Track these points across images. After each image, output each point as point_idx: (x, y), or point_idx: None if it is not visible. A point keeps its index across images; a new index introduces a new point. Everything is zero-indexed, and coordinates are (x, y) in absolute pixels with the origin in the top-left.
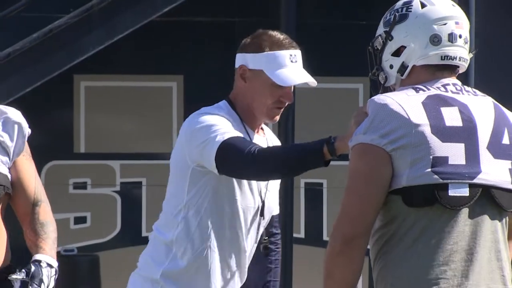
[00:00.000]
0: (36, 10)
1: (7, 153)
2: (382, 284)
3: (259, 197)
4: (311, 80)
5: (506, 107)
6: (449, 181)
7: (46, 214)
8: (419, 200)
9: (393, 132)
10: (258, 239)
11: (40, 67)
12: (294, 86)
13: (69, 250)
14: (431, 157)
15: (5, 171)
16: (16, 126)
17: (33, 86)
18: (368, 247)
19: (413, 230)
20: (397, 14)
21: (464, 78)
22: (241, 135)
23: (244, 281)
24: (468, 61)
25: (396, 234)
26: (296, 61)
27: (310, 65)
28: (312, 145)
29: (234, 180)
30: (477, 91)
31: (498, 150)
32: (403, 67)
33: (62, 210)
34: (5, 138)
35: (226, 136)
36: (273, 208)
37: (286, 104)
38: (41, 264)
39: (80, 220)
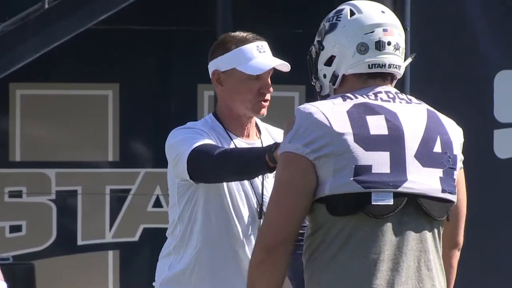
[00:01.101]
0: None
1: None
2: None
3: (256, 200)
4: (281, 63)
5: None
6: (372, 189)
7: None
8: (342, 208)
9: (316, 141)
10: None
11: None
12: (271, 79)
13: (5, 259)
14: (353, 165)
15: None
16: None
17: None
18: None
19: (338, 238)
20: (327, 23)
21: (400, 86)
22: (211, 142)
23: None
24: (403, 67)
25: (323, 242)
26: (264, 51)
27: None
28: (259, 151)
29: (224, 187)
30: (412, 98)
31: (428, 158)
32: (334, 77)
33: None
34: None
35: (193, 146)
36: None
37: (268, 96)
38: None
39: (15, 228)
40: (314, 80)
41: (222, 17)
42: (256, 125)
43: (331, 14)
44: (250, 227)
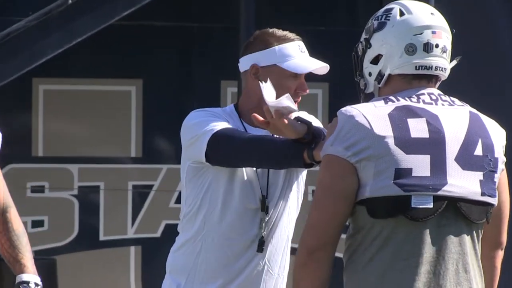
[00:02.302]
0: None
1: None
2: None
3: (260, 191)
4: (324, 65)
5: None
6: (411, 193)
7: (19, 223)
8: (382, 211)
9: (357, 144)
10: (261, 236)
11: None
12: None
13: None
14: (394, 168)
15: None
16: None
17: None
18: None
19: (377, 240)
20: (375, 22)
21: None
22: (231, 126)
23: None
24: (449, 70)
25: (362, 244)
26: (304, 51)
27: None
28: (297, 145)
29: (232, 175)
30: (456, 100)
31: (469, 161)
32: (379, 76)
33: (19, 213)
34: None
35: (216, 128)
36: (290, 205)
37: (300, 96)
38: (30, 285)
39: (37, 223)
40: (358, 77)
41: (244, 13)
42: None
43: (380, 13)
44: (253, 217)
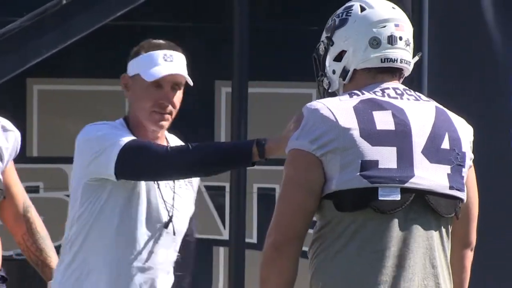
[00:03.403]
0: None
1: (1, 159)
2: (314, 286)
3: (166, 210)
4: (179, 73)
5: (460, 114)
6: (378, 185)
7: (41, 224)
8: (348, 204)
9: (322, 136)
10: (169, 255)
11: None
12: (184, 91)
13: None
14: (360, 161)
15: (1, 176)
16: (11, 134)
17: None
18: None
19: (344, 234)
20: (337, 19)
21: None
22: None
23: None
24: (412, 64)
25: (329, 238)
26: (171, 61)
27: (264, 70)
28: (241, 145)
29: (135, 192)
30: (421, 95)
31: (436, 154)
32: (344, 72)
33: None
34: (2, 145)
35: (127, 140)
36: (183, 228)
37: (169, 108)
38: None
39: None
40: (321, 78)
41: (238, 14)
42: (166, 140)
43: (340, 10)
44: (156, 236)
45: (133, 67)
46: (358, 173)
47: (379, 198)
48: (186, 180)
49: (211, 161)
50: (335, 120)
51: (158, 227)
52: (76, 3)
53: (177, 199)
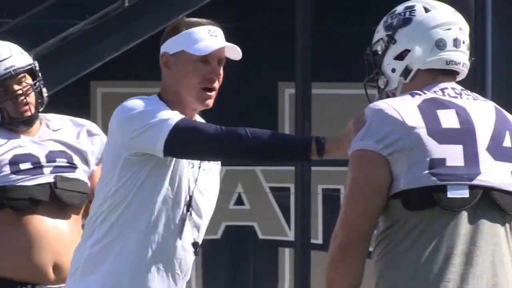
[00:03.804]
0: (51, 16)
1: (87, 163)
2: (382, 286)
3: (187, 191)
4: (230, 45)
5: None
6: (447, 182)
7: None
8: (417, 203)
9: (388, 136)
10: (184, 236)
11: (56, 74)
12: (225, 68)
13: None
14: (428, 159)
15: (87, 179)
16: (97, 138)
17: (49, 93)
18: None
19: (412, 233)
20: (400, 17)
21: (481, 89)
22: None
23: (179, 281)
24: (468, 68)
25: (396, 238)
26: (216, 36)
27: (327, 71)
28: (300, 139)
29: (170, 171)
30: (478, 96)
31: (499, 152)
32: (406, 71)
33: None
34: (87, 148)
35: (177, 117)
36: (204, 210)
37: (216, 84)
38: None
39: None
40: (376, 76)
41: (301, 15)
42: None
43: (400, 9)
44: (188, 216)
45: (175, 44)
46: (427, 171)
47: (448, 196)
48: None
49: (268, 151)
50: (401, 119)
51: (190, 206)
52: (138, 5)
53: (207, 181)
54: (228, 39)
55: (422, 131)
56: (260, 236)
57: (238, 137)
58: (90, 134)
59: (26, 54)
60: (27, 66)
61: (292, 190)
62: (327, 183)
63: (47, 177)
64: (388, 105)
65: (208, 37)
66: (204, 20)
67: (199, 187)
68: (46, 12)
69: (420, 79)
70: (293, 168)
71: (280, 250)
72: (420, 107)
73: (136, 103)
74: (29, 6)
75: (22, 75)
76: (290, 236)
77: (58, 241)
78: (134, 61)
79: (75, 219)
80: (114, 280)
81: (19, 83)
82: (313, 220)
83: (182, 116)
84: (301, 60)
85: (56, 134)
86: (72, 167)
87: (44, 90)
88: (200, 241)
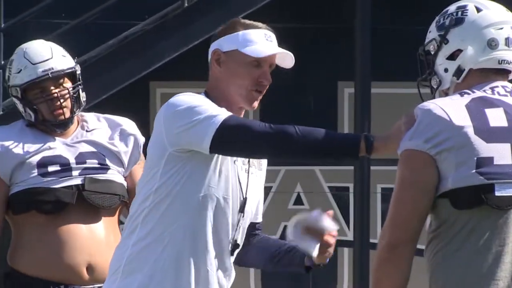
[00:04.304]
0: (111, 17)
1: (122, 164)
2: (434, 285)
3: (241, 193)
4: (286, 52)
5: None
6: (494, 181)
7: None
8: (465, 202)
9: (437, 136)
10: (229, 236)
11: (116, 74)
12: (283, 69)
13: None
14: (475, 158)
15: (121, 180)
16: (131, 138)
17: (109, 93)
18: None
19: (462, 232)
20: (453, 17)
21: None
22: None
23: (225, 280)
24: None
25: (446, 236)
26: (271, 41)
27: (386, 70)
28: (348, 137)
29: (218, 171)
30: None
31: None
32: (459, 71)
33: None
34: (121, 149)
35: (225, 115)
36: (253, 210)
37: (264, 88)
38: None
39: None
40: (428, 76)
41: (360, 13)
42: None
43: (452, 9)
44: (231, 214)
45: (229, 42)
46: (474, 170)
47: (496, 194)
48: (258, 161)
49: (317, 149)
50: (448, 119)
51: (233, 204)
52: (197, 6)
53: (251, 181)
54: (286, 40)
55: (470, 130)
56: None
57: (287, 134)
58: (124, 134)
59: (68, 57)
60: (67, 69)
61: (351, 190)
62: (386, 183)
63: (75, 179)
64: (436, 105)
65: (264, 41)
66: (261, 24)
67: (249, 190)
68: (105, 13)
69: (473, 78)
70: (352, 167)
71: (339, 250)
72: (468, 106)
73: (184, 99)
74: (88, 7)
75: (61, 78)
76: (349, 235)
77: (91, 242)
78: (193, 61)
79: (110, 220)
80: (157, 280)
81: (57, 85)
82: (372, 220)
83: (230, 113)
84: (360, 59)
85: (90, 135)
86: (104, 168)
87: (83, 94)
88: (241, 244)
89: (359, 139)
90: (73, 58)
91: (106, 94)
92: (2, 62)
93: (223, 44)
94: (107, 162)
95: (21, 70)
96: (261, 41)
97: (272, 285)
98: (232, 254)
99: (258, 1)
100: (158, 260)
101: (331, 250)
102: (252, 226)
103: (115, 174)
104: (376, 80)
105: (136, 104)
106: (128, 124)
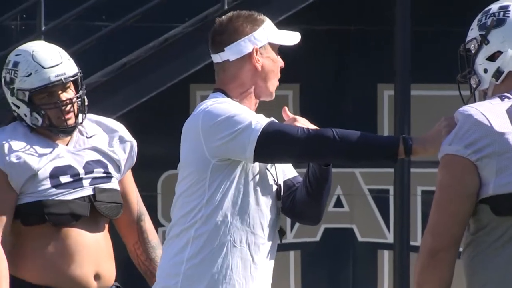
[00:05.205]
0: (151, 19)
1: (120, 170)
2: None
3: (275, 182)
4: (297, 34)
5: None
6: None
7: (154, 233)
8: (506, 208)
9: (477, 141)
10: (279, 224)
11: (156, 77)
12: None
13: None
14: None
15: (118, 187)
16: (128, 144)
17: (149, 96)
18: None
19: (502, 238)
20: (494, 18)
21: None
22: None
23: (268, 277)
24: None
25: (485, 242)
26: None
27: (426, 72)
28: (387, 139)
29: (256, 169)
30: None
31: None
32: (498, 72)
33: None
34: (120, 156)
35: (264, 121)
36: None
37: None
38: None
39: None
40: (468, 74)
41: (400, 17)
42: None
43: (494, 9)
44: (272, 209)
45: (261, 37)
46: None
47: None
48: None
49: (357, 153)
50: (489, 125)
51: (273, 196)
52: (238, 8)
53: (278, 170)
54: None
55: (511, 136)
56: (359, 238)
57: (326, 138)
58: (122, 140)
59: (72, 61)
60: (75, 75)
61: (391, 192)
62: (426, 185)
63: (86, 190)
64: (477, 110)
65: (276, 28)
66: (256, 12)
67: (279, 176)
68: (145, 15)
69: (510, 81)
70: (392, 170)
71: (379, 252)
72: (509, 111)
73: (220, 108)
74: (128, 9)
75: (69, 83)
76: (389, 238)
77: (98, 252)
78: None
79: (107, 229)
80: None
81: (64, 90)
82: (412, 222)
83: (268, 120)
84: (400, 61)
85: (91, 141)
86: (108, 176)
87: (85, 100)
88: (285, 229)
89: (397, 141)
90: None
91: (146, 96)
92: None
93: (256, 40)
94: (110, 169)
95: (31, 74)
96: (276, 29)
97: (312, 287)
98: (280, 241)
99: (299, 3)
100: (219, 271)
101: None
102: (291, 185)
103: (115, 182)
104: (416, 82)
105: (177, 107)
106: (124, 131)
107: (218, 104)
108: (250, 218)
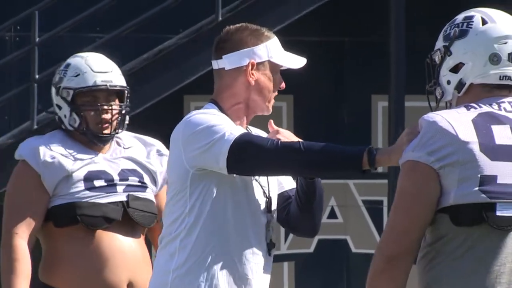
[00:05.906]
0: (145, 31)
1: (156, 183)
2: None
3: (264, 194)
4: (303, 59)
5: None
6: (496, 200)
7: None
8: (466, 219)
9: (441, 149)
10: (268, 236)
11: (150, 88)
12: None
13: None
14: (479, 175)
15: (153, 198)
16: (165, 158)
17: (143, 107)
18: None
19: (459, 249)
20: (457, 29)
21: None
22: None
23: (265, 279)
24: None
25: (443, 252)
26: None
27: (420, 83)
28: (352, 150)
29: (238, 179)
30: None
31: None
32: (460, 84)
33: None
34: (157, 169)
35: (237, 133)
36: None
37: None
38: None
39: None
40: (433, 86)
41: (394, 28)
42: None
43: (459, 19)
44: (260, 222)
45: (261, 53)
46: (477, 188)
47: (497, 214)
48: None
49: (322, 165)
50: (454, 133)
51: (261, 208)
52: (231, 19)
53: (272, 182)
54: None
55: (475, 146)
56: (353, 249)
57: (292, 150)
58: (159, 154)
59: (123, 77)
60: (121, 87)
61: (385, 203)
62: None
63: (120, 196)
64: (442, 118)
65: (283, 50)
66: (266, 30)
67: (271, 189)
68: (140, 26)
69: (474, 93)
70: (386, 181)
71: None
72: (474, 121)
73: (200, 118)
74: (122, 21)
75: (113, 93)
76: None
77: (132, 259)
78: None
79: (142, 238)
80: None
81: (107, 99)
82: None
83: (241, 132)
84: (394, 72)
85: (128, 152)
86: (143, 186)
87: (127, 117)
88: (276, 242)
89: (362, 153)
90: None
91: (140, 107)
92: (37, 76)
93: (255, 55)
94: (145, 180)
95: (79, 74)
96: (282, 50)
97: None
98: (269, 254)
99: (294, 14)
100: (205, 281)
101: None
102: (287, 196)
103: (151, 193)
104: (410, 93)
105: (170, 118)
106: (161, 145)
107: (200, 115)
108: (232, 229)
